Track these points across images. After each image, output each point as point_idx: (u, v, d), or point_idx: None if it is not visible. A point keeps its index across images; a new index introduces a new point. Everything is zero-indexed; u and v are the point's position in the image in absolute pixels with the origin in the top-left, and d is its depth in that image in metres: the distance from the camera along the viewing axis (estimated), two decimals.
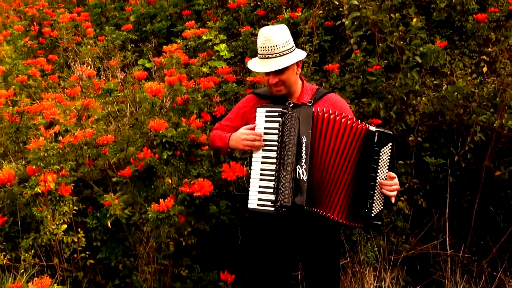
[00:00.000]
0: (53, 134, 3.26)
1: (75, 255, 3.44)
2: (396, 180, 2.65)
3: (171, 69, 4.72)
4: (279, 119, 2.61)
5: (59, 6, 8.61)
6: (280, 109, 2.62)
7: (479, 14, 4.84)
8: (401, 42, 4.62)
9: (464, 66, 4.78)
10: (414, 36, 4.47)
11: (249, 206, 2.66)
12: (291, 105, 2.67)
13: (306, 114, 2.57)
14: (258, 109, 2.69)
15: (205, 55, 5.43)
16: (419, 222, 4.74)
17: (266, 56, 2.67)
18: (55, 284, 2.88)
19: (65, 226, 3.26)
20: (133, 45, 7.03)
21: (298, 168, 2.54)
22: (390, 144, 2.61)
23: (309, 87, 2.89)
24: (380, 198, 2.66)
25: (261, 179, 2.64)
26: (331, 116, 2.57)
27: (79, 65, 5.60)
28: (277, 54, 2.66)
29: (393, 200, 2.67)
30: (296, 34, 5.49)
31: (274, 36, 2.66)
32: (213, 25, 5.92)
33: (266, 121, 2.66)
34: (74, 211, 3.37)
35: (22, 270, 3.25)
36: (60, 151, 3.20)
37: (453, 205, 4.62)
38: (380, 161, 2.59)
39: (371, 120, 4.45)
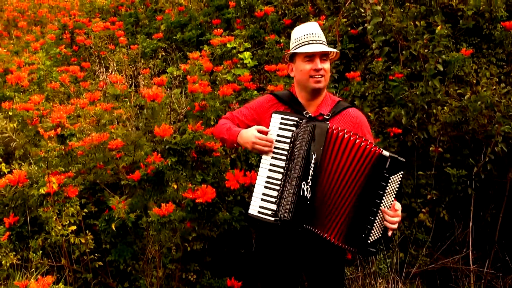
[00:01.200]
0: (55, 136, 3.32)
1: (85, 257, 3.50)
2: (399, 213, 2.54)
3: (193, 76, 4.78)
4: (293, 128, 2.53)
5: (96, 16, 8.90)
6: (296, 119, 2.54)
7: (508, 22, 4.68)
8: (426, 50, 4.52)
9: (491, 75, 4.62)
10: (437, 44, 4.36)
11: (250, 212, 2.61)
12: (307, 116, 2.63)
13: (320, 130, 2.48)
14: (274, 114, 2.61)
15: (229, 63, 5.48)
16: (441, 235, 4.60)
17: (313, 41, 2.64)
18: (61, 284, 2.93)
19: (74, 227, 3.32)
20: (164, 54, 7.16)
21: (304, 184, 2.47)
22: (402, 172, 2.50)
23: (330, 98, 2.80)
24: (380, 226, 2.55)
25: (265, 187, 2.58)
26: (346, 136, 2.47)
27: (104, 71, 5.72)
28: (323, 42, 2.67)
29: (390, 233, 2.56)
30: None
31: (318, 27, 2.71)
32: (239, 33, 5.96)
33: (280, 128, 2.57)
34: (84, 213, 3.43)
35: (32, 270, 3.33)
36: (63, 153, 3.27)
37: (477, 218, 4.47)
38: (387, 188, 2.48)
39: (390, 129, 4.37)
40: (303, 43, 2.65)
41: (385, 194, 2.49)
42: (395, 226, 2.53)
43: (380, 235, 2.57)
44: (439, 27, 4.44)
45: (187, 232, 3.26)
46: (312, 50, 2.61)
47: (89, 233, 3.44)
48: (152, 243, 3.29)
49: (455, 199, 4.45)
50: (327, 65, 2.66)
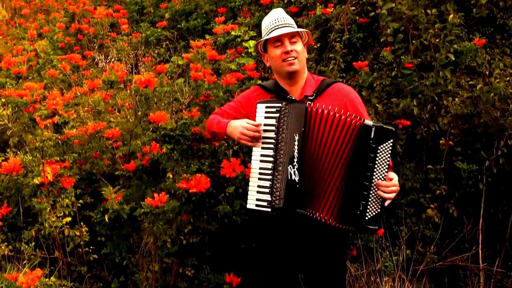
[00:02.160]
0: (51, 125, 3.20)
1: (80, 249, 3.38)
2: (395, 181, 2.45)
3: (197, 64, 4.63)
4: (277, 115, 2.50)
5: (101, 4, 8.76)
6: (279, 105, 2.52)
7: None
8: (437, 40, 4.34)
9: (505, 66, 4.43)
10: (449, 33, 4.18)
11: (248, 206, 2.59)
12: (292, 99, 2.59)
13: (299, 111, 2.46)
14: (258, 105, 2.60)
15: (233, 51, 5.33)
16: (450, 232, 4.45)
17: (279, 26, 2.62)
18: (53, 278, 2.82)
19: (68, 219, 3.20)
20: (168, 43, 7.01)
21: (290, 168, 2.44)
22: (391, 141, 2.40)
23: (313, 78, 2.77)
24: (377, 201, 2.45)
25: (259, 178, 2.55)
26: (325, 112, 2.44)
27: (103, 58, 5.59)
28: (290, 25, 2.65)
29: (386, 203, 2.46)
30: (328, 31, 5.31)
31: (282, 12, 2.73)
32: (244, 21, 5.80)
33: (265, 118, 2.55)
34: (79, 204, 3.31)
35: (25, 262, 3.22)
36: (59, 142, 3.14)
37: (487, 215, 4.31)
38: (377, 159, 2.39)
39: (398, 121, 4.21)
40: (271, 30, 2.64)
41: (376, 166, 2.40)
42: (392, 196, 2.44)
43: (379, 211, 2.46)
44: (451, 16, 4.26)
45: (183, 224, 3.12)
46: (278, 33, 2.59)
47: (84, 225, 3.31)
48: (146, 236, 3.15)
49: (465, 195, 4.29)
50: (298, 46, 2.63)
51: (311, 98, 2.62)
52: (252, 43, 5.43)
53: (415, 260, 4.20)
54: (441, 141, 4.16)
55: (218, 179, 3.25)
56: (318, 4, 5.66)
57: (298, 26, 5.47)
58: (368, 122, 2.41)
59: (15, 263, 3.25)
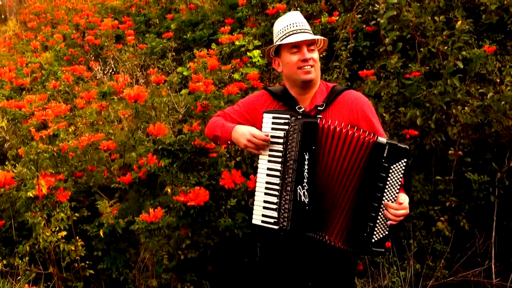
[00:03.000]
0: (46, 137, 3.12)
1: (76, 264, 3.28)
2: (405, 204, 2.27)
3: (198, 74, 4.56)
4: (286, 127, 2.33)
5: (108, 16, 8.76)
6: (288, 116, 2.33)
7: None
8: (445, 47, 4.22)
9: None
10: (457, 40, 4.06)
11: (253, 221, 2.43)
12: (300, 112, 2.42)
13: (310, 127, 2.27)
14: (265, 114, 2.40)
15: (238, 61, 5.25)
16: (461, 246, 4.28)
17: (298, 30, 2.42)
18: None
19: (64, 233, 3.11)
20: (174, 54, 6.96)
21: (299, 188, 2.28)
22: (404, 160, 2.21)
23: (324, 86, 2.56)
24: (385, 223, 2.29)
25: (265, 193, 2.39)
26: (337, 129, 2.26)
27: (100, 69, 5.53)
28: (307, 30, 2.45)
29: (389, 222, 2.28)
30: (333, 40, 5.21)
31: (301, 16, 2.49)
32: (249, 31, 5.72)
33: (272, 129, 2.37)
34: (75, 218, 3.21)
35: (19, 277, 3.12)
36: (55, 154, 3.05)
37: (500, 228, 4.14)
38: (389, 179, 2.23)
39: (406, 131, 4.08)
40: (287, 34, 2.44)
41: (387, 187, 2.24)
42: (399, 219, 2.26)
43: (386, 233, 2.29)
44: (459, 22, 4.14)
45: (181, 239, 3.01)
46: (298, 39, 2.39)
47: (80, 240, 3.21)
48: (143, 251, 3.04)
49: (476, 207, 4.13)
50: (315, 55, 2.44)
51: (321, 109, 2.43)
52: (256, 52, 5.35)
53: (425, 275, 4.04)
54: (450, 151, 4.02)
55: (217, 191, 3.14)
56: (324, 12, 5.58)
57: None
58: (382, 139, 2.23)
59: (9, 279, 3.15)
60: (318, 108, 2.44)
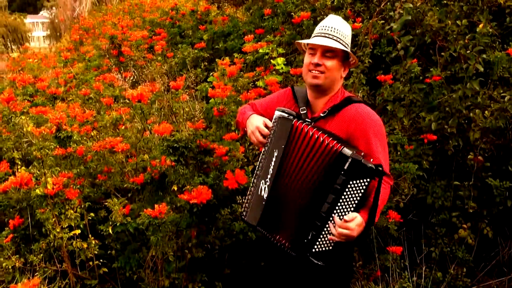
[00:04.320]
0: (52, 137, 3.26)
1: (91, 263, 3.40)
2: (350, 225, 2.14)
3: (220, 81, 4.66)
4: (275, 125, 2.39)
5: (146, 28, 9.05)
6: (278, 114, 2.39)
7: None
8: (468, 52, 4.13)
9: None
10: (477, 43, 3.97)
11: (242, 216, 2.50)
12: (296, 114, 2.40)
13: (285, 127, 2.31)
14: (276, 111, 2.43)
15: (262, 69, 5.31)
16: (485, 254, 4.16)
17: (323, 34, 2.36)
18: None
19: (77, 231, 3.23)
20: (206, 63, 7.09)
21: (262, 183, 2.35)
22: (367, 180, 2.11)
23: (340, 95, 2.48)
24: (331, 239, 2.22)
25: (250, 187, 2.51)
26: (310, 133, 2.23)
27: (120, 77, 5.70)
28: (334, 37, 2.35)
29: (329, 236, 2.21)
30: (357, 47, 5.19)
31: (340, 22, 2.41)
32: (273, 39, 5.78)
33: (272, 125, 2.42)
34: (89, 217, 3.34)
35: (37, 274, 3.27)
36: (66, 155, 3.19)
37: None
38: (344, 194, 2.13)
39: (424, 136, 4.02)
40: (314, 35, 2.42)
41: (340, 201, 2.14)
42: (341, 238, 2.16)
43: (330, 248, 2.22)
44: (481, 25, 4.06)
45: (186, 238, 3.07)
46: (314, 42, 2.36)
47: (93, 238, 3.33)
48: (152, 249, 3.12)
49: (500, 214, 4.00)
50: (329, 63, 2.35)
51: (322, 115, 2.39)
52: (280, 60, 5.40)
53: (448, 283, 3.94)
54: (469, 156, 3.92)
55: (223, 191, 3.19)
56: (350, 20, 5.57)
57: None
58: (347, 151, 2.13)
59: (27, 275, 3.30)
60: (321, 115, 2.41)
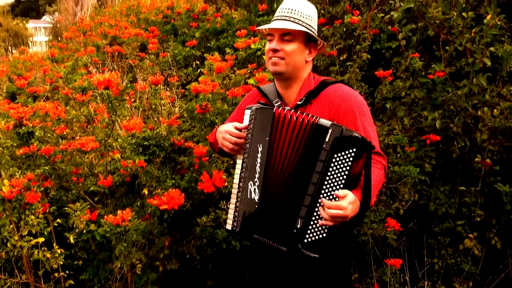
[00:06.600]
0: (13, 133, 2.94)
1: (56, 274, 3.06)
2: (342, 203, 1.85)
3: (206, 78, 4.34)
4: (252, 120, 2.11)
5: (140, 27, 8.75)
6: (252, 107, 2.14)
7: None
8: (474, 46, 3.80)
9: None
10: (485, 35, 3.64)
11: (226, 226, 2.17)
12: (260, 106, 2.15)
13: (265, 116, 2.05)
14: (245, 110, 2.18)
15: (254, 66, 5.00)
16: (493, 267, 3.82)
17: (281, 17, 2.13)
18: None
19: (41, 239, 2.90)
20: (198, 62, 6.78)
21: (250, 184, 2.04)
22: (354, 150, 1.86)
23: (313, 80, 2.24)
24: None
25: (233, 194, 2.16)
26: (293, 117, 1.98)
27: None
28: (292, 18, 2.11)
29: (320, 221, 1.89)
30: (355, 41, 4.88)
31: (299, 2, 2.16)
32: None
33: (248, 124, 2.14)
34: (55, 224, 3.01)
35: None
36: (29, 154, 2.87)
37: None
38: (330, 169, 1.87)
39: (427, 136, 3.68)
40: (273, 19, 2.16)
41: (328, 178, 1.87)
42: (334, 221, 1.86)
43: (324, 235, 1.89)
44: (488, 17, 3.72)
45: (157, 248, 2.73)
46: (268, 26, 2.14)
47: (57, 246, 2.99)
48: (115, 259, 2.77)
49: (510, 222, 3.67)
50: (289, 47, 2.11)
51: (299, 103, 2.15)
52: None
53: None
54: (476, 159, 3.58)
55: (198, 195, 2.85)
56: (349, 14, 5.26)
57: (321, 36, 5.09)
58: (324, 121, 1.91)
59: None
60: (297, 103, 2.15)
